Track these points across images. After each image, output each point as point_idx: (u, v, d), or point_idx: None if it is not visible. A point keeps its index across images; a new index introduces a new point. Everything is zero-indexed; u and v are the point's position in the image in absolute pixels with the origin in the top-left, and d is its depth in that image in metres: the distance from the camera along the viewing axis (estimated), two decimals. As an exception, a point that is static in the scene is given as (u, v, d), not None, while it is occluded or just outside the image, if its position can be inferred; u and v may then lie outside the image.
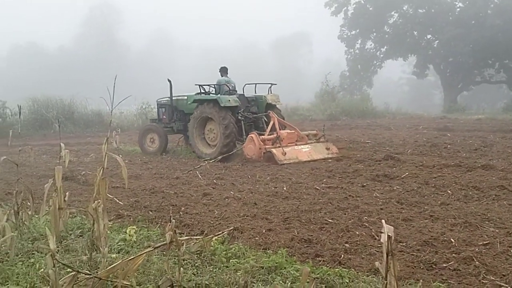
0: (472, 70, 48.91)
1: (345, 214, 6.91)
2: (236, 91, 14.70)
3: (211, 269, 4.75)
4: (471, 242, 5.50)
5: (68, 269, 3.76)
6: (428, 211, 6.94)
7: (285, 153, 12.26)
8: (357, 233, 5.94)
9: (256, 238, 5.79)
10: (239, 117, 13.67)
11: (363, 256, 5.17)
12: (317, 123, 19.97)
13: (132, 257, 3.77)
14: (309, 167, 11.31)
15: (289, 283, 4.35)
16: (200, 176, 10.55)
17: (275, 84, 15.01)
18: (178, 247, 4.14)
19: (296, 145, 13.02)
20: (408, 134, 18.88)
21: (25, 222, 5.92)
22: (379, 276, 4.33)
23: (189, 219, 6.77)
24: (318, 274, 4.51)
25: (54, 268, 3.27)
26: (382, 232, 2.86)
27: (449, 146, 14.23)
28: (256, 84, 14.93)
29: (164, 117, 15.74)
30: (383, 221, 3.01)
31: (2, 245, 5.17)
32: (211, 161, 12.63)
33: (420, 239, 5.62)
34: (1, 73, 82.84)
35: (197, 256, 5.03)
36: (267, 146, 12.48)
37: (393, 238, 2.83)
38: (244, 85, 14.69)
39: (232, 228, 6.05)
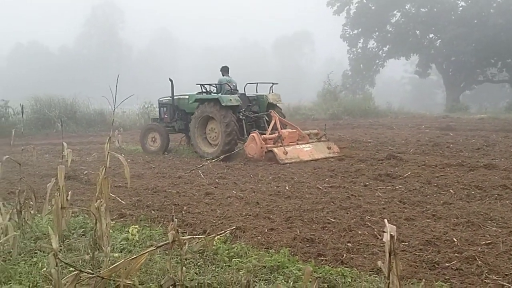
0: (475, 69, 48.90)
1: (347, 213, 6.91)
2: (237, 90, 14.70)
3: (214, 268, 4.75)
4: (474, 241, 5.49)
5: (71, 268, 3.77)
6: (431, 210, 6.93)
7: (287, 153, 12.26)
8: (360, 232, 5.93)
9: (259, 238, 5.79)
10: (241, 117, 13.68)
11: (365, 255, 5.17)
12: (319, 123, 19.95)
13: (135, 256, 3.77)
14: (311, 166, 11.30)
15: (291, 283, 4.35)
16: (202, 176, 10.55)
17: (277, 84, 15.01)
18: (181, 246, 4.14)
19: (297, 144, 13.01)
20: (410, 133, 18.86)
21: (27, 221, 5.92)
22: (382, 276, 4.34)
23: (192, 219, 6.77)
24: (320, 273, 4.50)
25: (56, 267, 3.27)
26: (385, 232, 2.86)
27: (451, 145, 14.21)
28: (257, 83, 14.94)
29: (166, 116, 15.75)
30: (385, 220, 3.01)
31: (5, 244, 5.17)
32: (213, 160, 12.63)
33: (422, 238, 5.61)
34: (3, 73, 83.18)
35: (199, 256, 5.04)
36: (268, 146, 12.48)
37: (395, 237, 2.82)
38: (246, 85, 14.70)
39: (234, 227, 6.05)
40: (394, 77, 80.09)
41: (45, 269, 4.57)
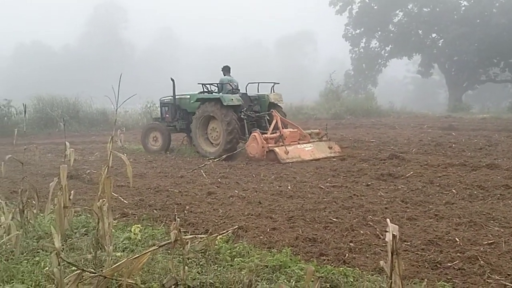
0: (477, 69, 48.82)
1: (349, 213, 6.91)
2: (238, 90, 14.72)
3: (216, 267, 4.75)
4: (476, 241, 5.49)
5: (73, 268, 3.76)
6: (433, 210, 6.93)
7: (288, 152, 12.27)
8: (362, 232, 5.93)
9: (261, 237, 5.79)
10: (242, 116, 13.68)
11: (367, 255, 5.17)
12: (321, 122, 19.96)
13: (137, 255, 3.78)
14: (313, 166, 11.30)
15: (293, 282, 4.35)
16: (204, 175, 10.56)
17: (278, 83, 15.03)
18: (183, 245, 4.14)
19: (298, 144, 13.02)
20: (412, 133, 18.86)
21: (30, 221, 5.93)
22: (384, 275, 4.33)
23: (194, 218, 6.78)
24: (322, 273, 4.50)
25: (59, 267, 3.28)
26: (387, 231, 2.86)
27: (454, 145, 14.20)
28: (259, 83, 14.95)
29: (167, 116, 15.77)
30: (388, 220, 3.01)
31: (8, 244, 5.18)
32: (215, 160, 12.64)
33: (424, 238, 5.61)
34: (6, 72, 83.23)
35: (201, 255, 5.04)
36: (269, 145, 12.49)
37: (397, 237, 2.82)
38: (247, 84, 14.72)
39: (236, 227, 6.05)
40: (397, 77, 79.93)
41: (47, 268, 4.58)
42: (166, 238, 5.45)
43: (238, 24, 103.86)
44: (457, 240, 5.49)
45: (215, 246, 5.13)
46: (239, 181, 9.81)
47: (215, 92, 14.49)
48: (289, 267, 4.68)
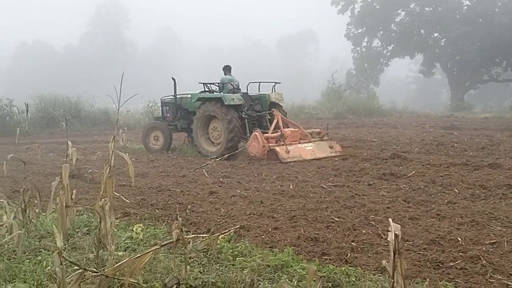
0: (479, 69, 48.77)
1: (351, 212, 6.90)
2: (240, 89, 14.74)
3: (218, 267, 4.75)
4: (478, 241, 5.48)
5: (75, 267, 3.77)
6: (435, 210, 6.92)
7: (289, 151, 12.28)
8: (364, 231, 5.93)
9: (263, 237, 5.78)
10: (243, 116, 13.69)
11: (369, 254, 5.16)
12: (323, 122, 19.93)
13: (139, 255, 3.78)
14: (315, 165, 11.30)
15: (295, 282, 4.35)
16: (206, 175, 10.56)
17: (279, 83, 15.04)
18: (185, 245, 4.15)
19: (299, 143, 13.03)
20: (414, 132, 18.85)
21: (32, 220, 5.94)
22: (386, 275, 4.33)
23: (196, 217, 6.78)
24: (324, 272, 4.50)
25: (61, 266, 3.28)
26: (389, 231, 2.85)
27: (456, 144, 14.18)
28: (260, 82, 14.96)
29: (168, 115, 15.79)
30: (390, 219, 3.01)
31: (10, 243, 5.19)
32: (217, 159, 12.64)
33: (427, 238, 5.60)
34: (8, 72, 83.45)
35: (203, 254, 5.04)
36: (270, 144, 12.50)
37: (400, 236, 2.82)
38: (248, 84, 14.72)
39: (238, 226, 6.05)
40: (399, 76, 79.99)
41: (49, 267, 4.58)
42: (168, 237, 5.45)
43: (240, 24, 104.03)
44: (459, 239, 5.48)
45: (217, 246, 5.13)
46: (241, 180, 9.80)
47: (216, 92, 14.50)
48: (291, 266, 4.68)
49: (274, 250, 5.22)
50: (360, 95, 43.48)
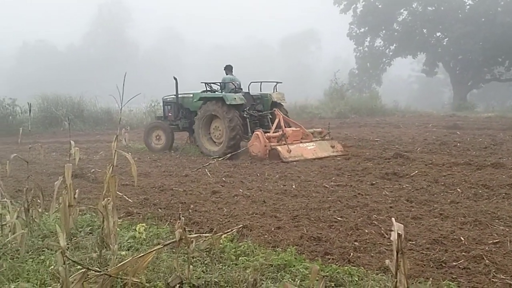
0: (482, 68, 48.71)
1: (354, 212, 6.90)
2: (241, 89, 14.75)
3: (220, 266, 4.75)
4: (481, 240, 5.47)
5: (78, 266, 3.77)
6: (438, 209, 6.91)
7: (290, 151, 12.30)
8: (366, 231, 5.92)
9: (265, 236, 5.78)
10: (245, 115, 13.72)
11: (372, 254, 5.16)
12: (326, 121, 19.95)
13: (142, 254, 3.79)
14: (318, 165, 11.30)
15: (298, 281, 4.35)
16: (209, 174, 10.56)
17: (281, 83, 15.06)
18: (188, 244, 4.16)
19: (301, 142, 13.04)
20: (417, 132, 18.84)
21: (35, 220, 5.94)
22: (389, 274, 4.33)
23: (198, 217, 6.78)
24: (327, 272, 4.50)
25: (64, 265, 3.28)
26: (392, 230, 2.85)
27: (458, 144, 14.17)
28: (261, 82, 14.99)
29: (170, 114, 15.80)
30: (393, 219, 3.00)
31: (13, 242, 5.19)
32: (220, 159, 12.65)
33: (429, 237, 5.60)
34: (11, 71, 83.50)
35: (206, 254, 5.04)
36: (272, 144, 12.52)
37: (403, 236, 2.82)
38: (250, 83, 14.73)
39: (241, 226, 6.06)
40: (401, 76, 79.91)
41: (52, 267, 4.59)
42: (171, 237, 5.46)
43: (242, 24, 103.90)
44: (462, 239, 5.47)
45: (220, 245, 5.13)
46: (244, 180, 9.81)
47: (218, 91, 14.51)
48: (294, 266, 4.68)
49: (277, 249, 5.23)
50: (363, 94, 43.43)
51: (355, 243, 5.50)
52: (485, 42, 44.66)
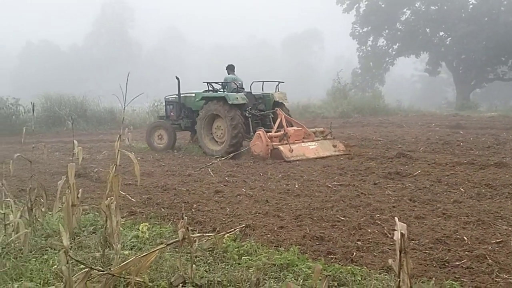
0: (485, 67, 48.60)
1: (357, 211, 6.90)
2: (243, 88, 14.75)
3: (223, 266, 4.76)
4: (484, 240, 5.46)
5: (82, 266, 3.78)
6: (441, 209, 6.90)
7: (292, 150, 12.32)
8: (369, 230, 5.92)
9: (268, 236, 5.78)
10: (247, 115, 13.74)
11: (375, 254, 5.15)
12: (328, 121, 19.93)
13: (145, 254, 3.79)
14: (320, 164, 11.30)
15: (301, 281, 4.35)
16: (211, 174, 10.57)
17: (283, 82, 15.08)
18: (191, 244, 4.16)
19: (303, 142, 13.05)
20: (420, 131, 18.81)
21: (38, 219, 5.96)
22: (392, 274, 4.32)
23: (201, 216, 6.78)
24: (330, 271, 4.50)
25: (67, 265, 3.29)
26: (395, 230, 2.85)
27: (461, 143, 14.15)
28: (263, 82, 15.00)
29: (172, 114, 15.82)
30: (396, 218, 3.00)
31: (16, 242, 5.21)
32: (222, 158, 12.65)
33: (432, 237, 5.59)
34: (14, 71, 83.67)
35: (209, 253, 5.05)
36: (274, 143, 12.54)
37: (406, 235, 2.82)
38: (252, 83, 14.74)
39: (244, 225, 6.06)
40: (404, 75, 79.80)
41: (56, 266, 4.60)
42: (173, 236, 5.46)
43: (245, 23, 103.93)
44: (465, 238, 5.47)
45: (223, 245, 5.14)
46: (246, 179, 9.81)
47: (220, 91, 14.52)
48: (297, 265, 4.69)
49: (280, 249, 5.23)
50: (366, 94, 43.41)
51: (358, 242, 5.50)
52: (488, 41, 44.57)
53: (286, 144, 12.51)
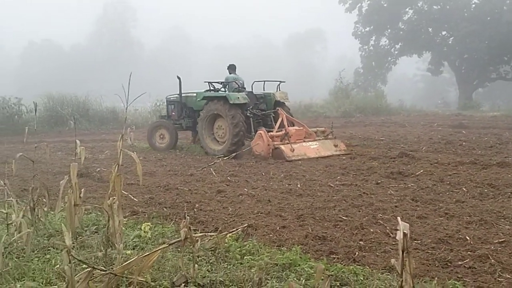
0: (488, 67, 48.55)
1: (359, 211, 6.89)
2: (244, 88, 14.75)
3: (226, 265, 4.76)
4: (487, 239, 5.46)
5: (84, 265, 3.78)
6: (443, 208, 6.90)
7: (293, 150, 12.34)
8: (372, 230, 5.92)
9: (270, 235, 5.78)
10: (248, 114, 13.74)
11: (377, 253, 5.15)
12: (331, 120, 19.92)
13: (147, 253, 3.79)
14: (323, 164, 11.29)
15: (303, 280, 4.35)
16: (214, 173, 10.57)
17: (284, 82, 15.08)
18: (193, 243, 4.16)
19: (304, 141, 13.05)
20: (422, 131, 18.79)
21: (41, 219, 5.96)
22: (394, 274, 4.32)
23: (203, 216, 6.79)
24: (332, 271, 4.50)
25: (70, 264, 3.29)
26: (398, 230, 2.85)
27: (464, 143, 14.13)
28: (264, 81, 15.01)
29: (173, 113, 15.83)
30: (398, 218, 3.00)
31: (19, 241, 5.21)
32: (225, 158, 12.65)
33: (435, 236, 5.58)
34: (17, 71, 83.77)
35: (211, 253, 5.05)
36: (275, 143, 12.55)
37: (408, 235, 2.81)
38: (253, 83, 14.75)
39: (246, 225, 6.05)
40: (406, 75, 79.78)
41: (58, 266, 4.61)
42: (176, 236, 5.47)
43: (247, 23, 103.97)
44: (468, 238, 5.46)
45: (225, 244, 5.14)
46: (249, 179, 9.81)
47: (221, 91, 14.52)
48: (299, 265, 4.68)
49: (282, 248, 5.22)
50: (368, 93, 43.42)
51: (360, 242, 5.49)
52: (490, 41, 44.52)
53: (288, 143, 12.52)
